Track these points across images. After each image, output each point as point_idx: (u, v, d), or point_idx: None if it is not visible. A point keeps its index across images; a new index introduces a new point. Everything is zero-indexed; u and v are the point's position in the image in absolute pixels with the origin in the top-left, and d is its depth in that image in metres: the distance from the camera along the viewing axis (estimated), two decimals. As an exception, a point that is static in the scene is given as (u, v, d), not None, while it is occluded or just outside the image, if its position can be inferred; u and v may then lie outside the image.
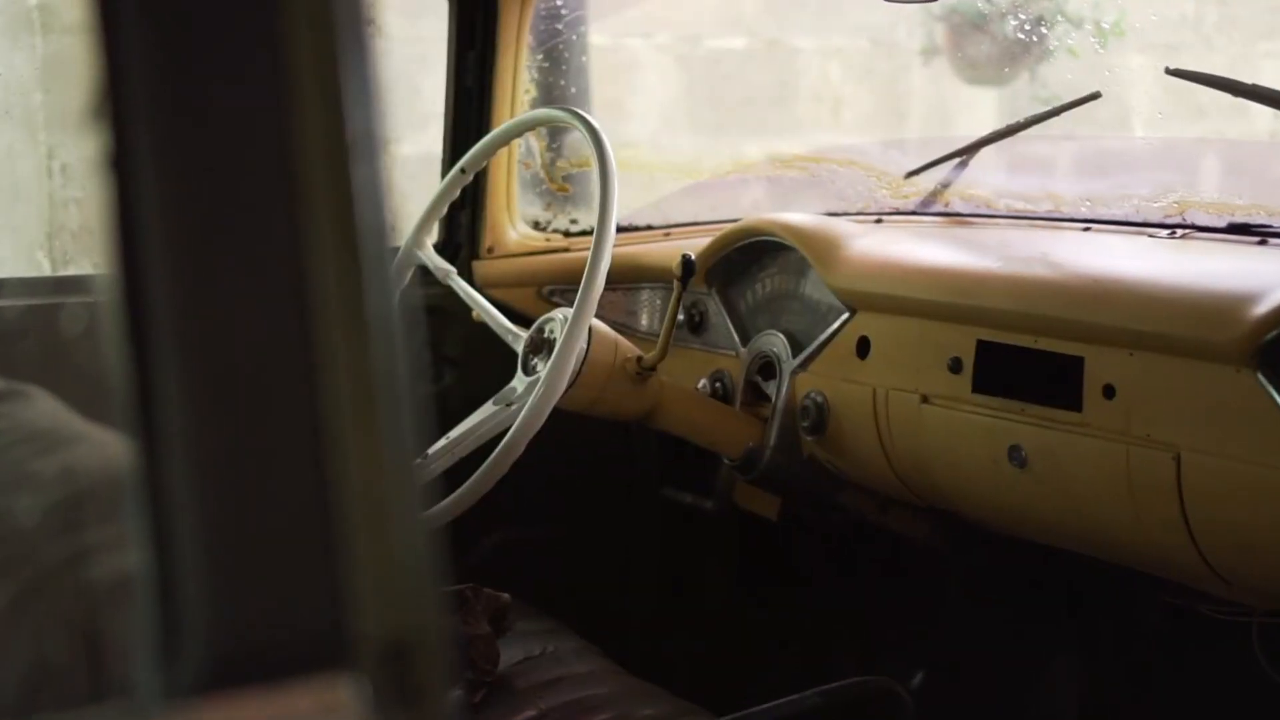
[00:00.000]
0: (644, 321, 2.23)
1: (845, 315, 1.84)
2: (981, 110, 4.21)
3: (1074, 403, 1.52)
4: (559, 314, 1.79)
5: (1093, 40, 3.13)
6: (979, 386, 1.63)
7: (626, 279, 2.19)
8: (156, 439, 0.57)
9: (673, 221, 2.40)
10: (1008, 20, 3.32)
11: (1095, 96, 1.82)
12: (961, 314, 1.66)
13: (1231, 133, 3.98)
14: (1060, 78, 3.50)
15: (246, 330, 0.58)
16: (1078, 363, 1.51)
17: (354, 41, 0.60)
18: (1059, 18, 3.12)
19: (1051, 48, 3.40)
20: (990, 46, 3.64)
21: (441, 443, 1.78)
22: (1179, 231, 1.72)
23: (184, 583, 0.56)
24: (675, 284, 1.78)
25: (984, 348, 1.63)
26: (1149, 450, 1.44)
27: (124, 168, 0.57)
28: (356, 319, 0.58)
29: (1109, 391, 1.49)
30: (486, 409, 1.78)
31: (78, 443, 0.91)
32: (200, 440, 0.56)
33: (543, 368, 1.73)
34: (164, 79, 0.57)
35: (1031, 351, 1.57)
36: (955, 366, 1.66)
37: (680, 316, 2.03)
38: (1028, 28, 3.25)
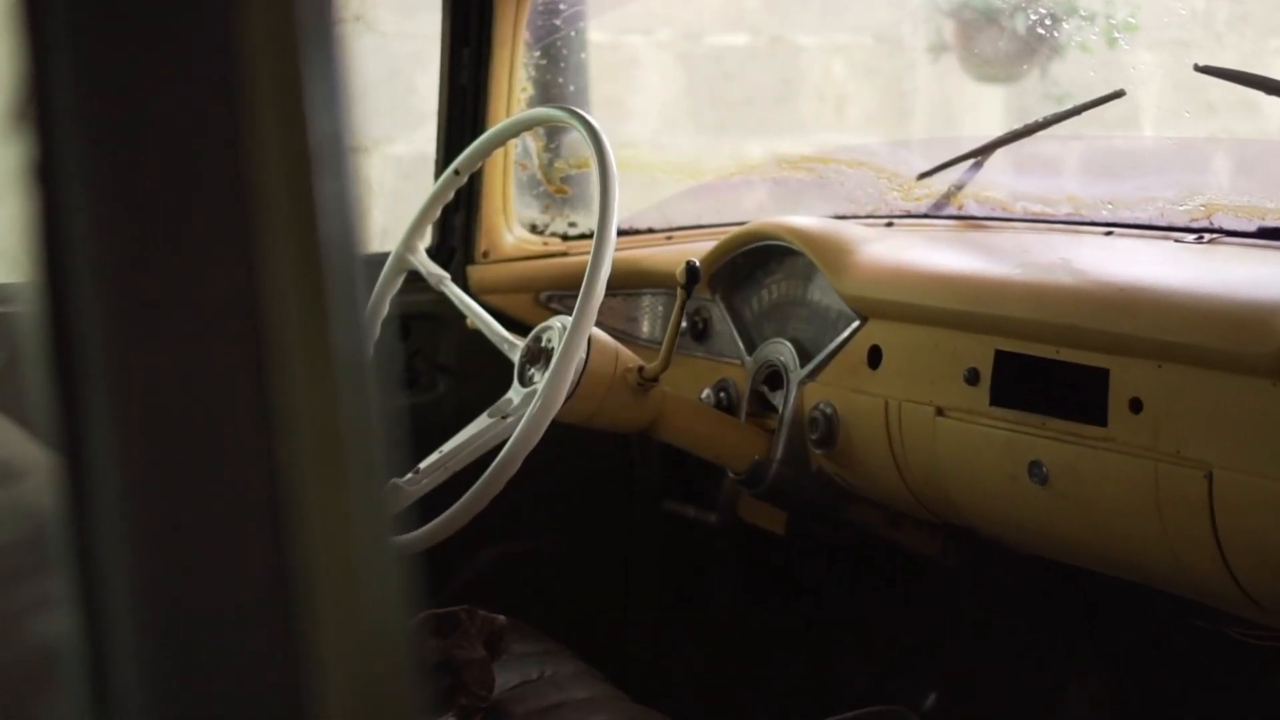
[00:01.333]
0: (645, 329, 2.17)
1: (856, 323, 1.78)
2: (988, 109, 4.15)
3: (1099, 417, 1.45)
4: (557, 322, 1.73)
5: (1108, 36, 3.06)
6: (997, 399, 1.57)
7: (627, 285, 2.13)
8: (84, 487, 0.50)
9: (675, 224, 2.34)
10: (1019, 16, 3.25)
11: (1119, 95, 1.74)
12: (979, 323, 1.60)
13: (1242, 130, 3.91)
14: (1073, 75, 3.43)
15: (189, 362, 0.50)
16: (1103, 375, 1.45)
17: (318, 39, 0.53)
18: (1072, 12, 3.05)
19: (1063, 44, 3.33)
20: (1001, 43, 3.57)
21: (434, 457, 1.72)
22: (1206, 236, 1.65)
23: (116, 650, 0.50)
24: (679, 291, 1.71)
25: (1002, 358, 1.57)
26: (1179, 467, 1.38)
27: (51, 178, 0.50)
28: (319, 347, 0.52)
29: (1136, 405, 1.42)
30: (481, 421, 1.72)
31: (29, 476, 0.83)
32: (135, 487, 0.50)
33: (540, 378, 1.68)
34: (96, 78, 0.50)
35: (1053, 363, 1.51)
36: (972, 378, 1.60)
37: (683, 324, 1.96)
38: (1039, 23, 3.18)
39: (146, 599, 0.50)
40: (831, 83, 4.33)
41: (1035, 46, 3.52)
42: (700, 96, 4.28)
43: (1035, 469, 1.53)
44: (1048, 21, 3.27)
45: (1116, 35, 3.45)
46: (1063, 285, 1.55)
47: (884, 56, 4.40)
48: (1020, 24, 3.26)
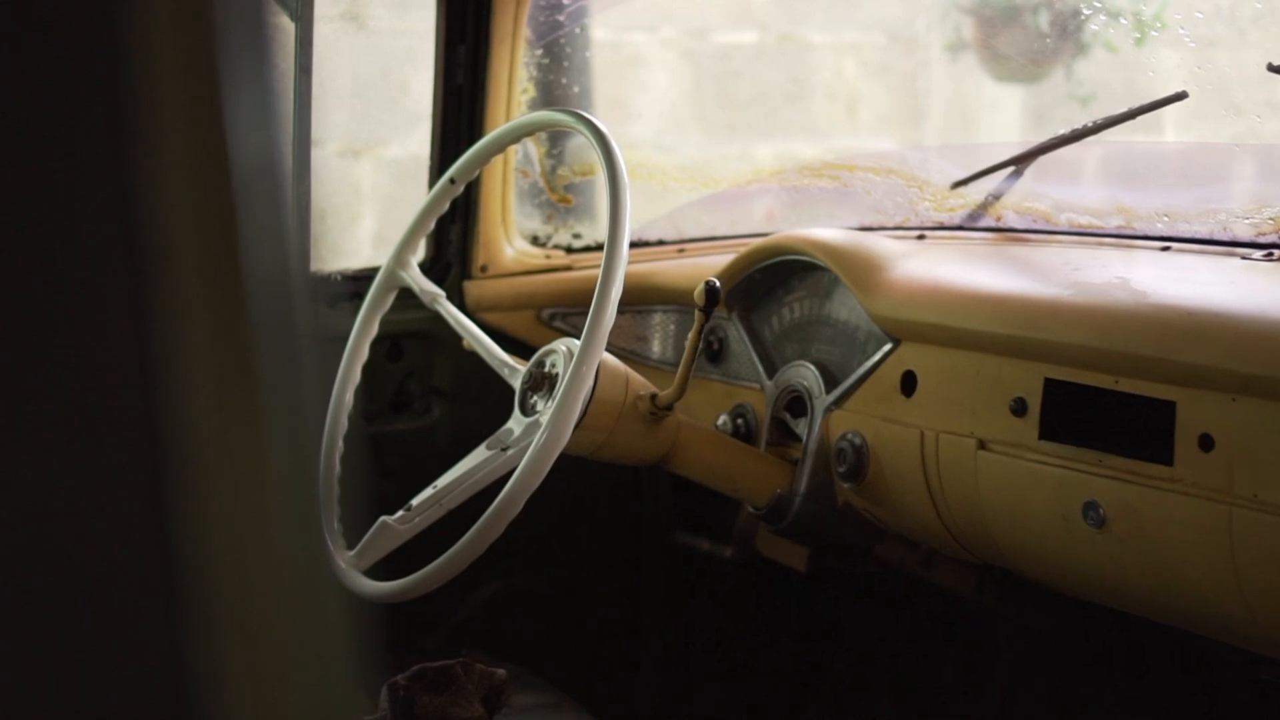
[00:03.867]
0: (655, 349, 2.04)
1: (887, 346, 1.66)
2: (1006, 110, 4.03)
3: (1163, 455, 1.35)
4: (562, 345, 1.60)
5: (1138, 33, 2.92)
6: (1047, 432, 1.46)
7: (636, 301, 2.00)
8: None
9: (687, 236, 2.23)
10: (1041, 13, 3.11)
11: (1181, 96, 1.60)
12: (1027, 348, 1.48)
13: (1266, 132, 3.77)
14: (1098, 74, 3.30)
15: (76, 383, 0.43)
16: (1168, 408, 1.34)
17: (247, 43, 0.43)
18: (1097, 9, 2.92)
19: (1087, 42, 3.20)
20: (1023, 40, 3.43)
21: (427, 493, 1.60)
22: (1276, 253, 1.50)
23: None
24: (696, 314, 1.57)
25: (1053, 388, 1.46)
26: (1256, 513, 1.27)
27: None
28: (247, 409, 0.46)
29: (1206, 443, 1.31)
30: (479, 454, 1.60)
31: None
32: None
33: (543, 407, 1.56)
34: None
35: (1111, 394, 1.40)
36: (1019, 408, 1.48)
37: (699, 346, 1.82)
38: (1063, 20, 3.04)
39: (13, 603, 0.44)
40: (843, 82, 4.21)
41: (1054, 46, 3.39)
42: (707, 96, 4.17)
43: (1091, 510, 1.42)
44: (1072, 19, 3.13)
45: (1152, 32, 3.31)
46: (1121, 308, 1.43)
47: (897, 55, 4.28)
48: (1044, 21, 3.11)
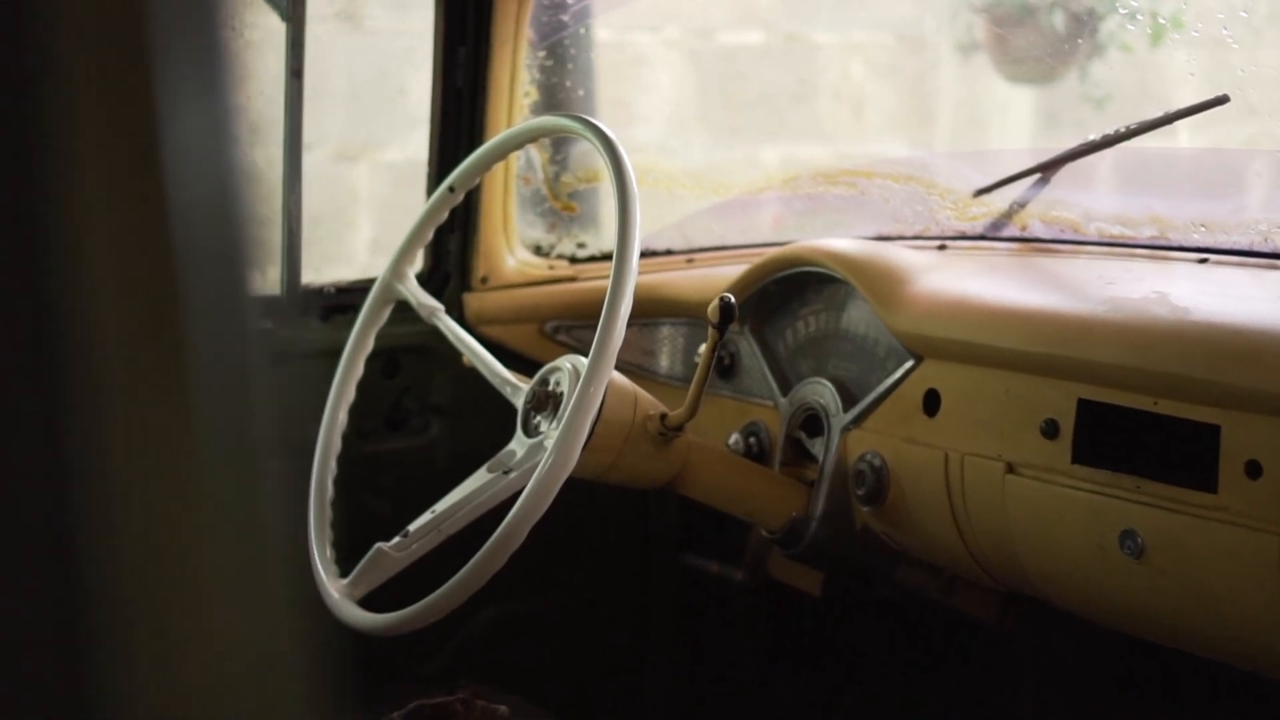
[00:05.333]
0: (664, 363, 1.98)
1: (909, 363, 1.60)
2: (1017, 111, 3.96)
3: (1207, 482, 1.29)
4: (567, 363, 1.53)
5: (1155, 33, 2.86)
6: (1081, 456, 1.40)
7: (644, 314, 1.94)
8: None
9: (697, 246, 2.17)
10: (1055, 12, 3.04)
11: (1223, 100, 1.52)
12: (1059, 367, 1.42)
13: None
14: (1113, 75, 3.24)
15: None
16: (1212, 432, 1.28)
17: (189, 40, 0.37)
18: (1114, 8, 2.85)
19: (1103, 42, 3.13)
20: (1036, 41, 3.37)
21: (425, 518, 1.53)
22: (1325, 267, 1.43)
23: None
24: (710, 332, 1.49)
25: (1087, 409, 1.39)
26: None
27: None
28: (169, 427, 0.42)
29: (1254, 470, 1.25)
30: (479, 477, 1.53)
31: None
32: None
33: (547, 428, 1.49)
34: None
35: (1150, 416, 1.33)
36: (1050, 430, 1.42)
37: (709, 363, 1.76)
38: (1079, 20, 2.98)
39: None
40: (850, 83, 4.15)
41: (1069, 46, 3.32)
42: (711, 98, 4.11)
43: (1128, 539, 1.36)
44: (1087, 18, 3.07)
45: (1148, 34, 3.25)
46: (1161, 325, 1.36)
47: (905, 55, 4.22)
48: (1058, 21, 3.04)
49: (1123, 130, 1.62)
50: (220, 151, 0.37)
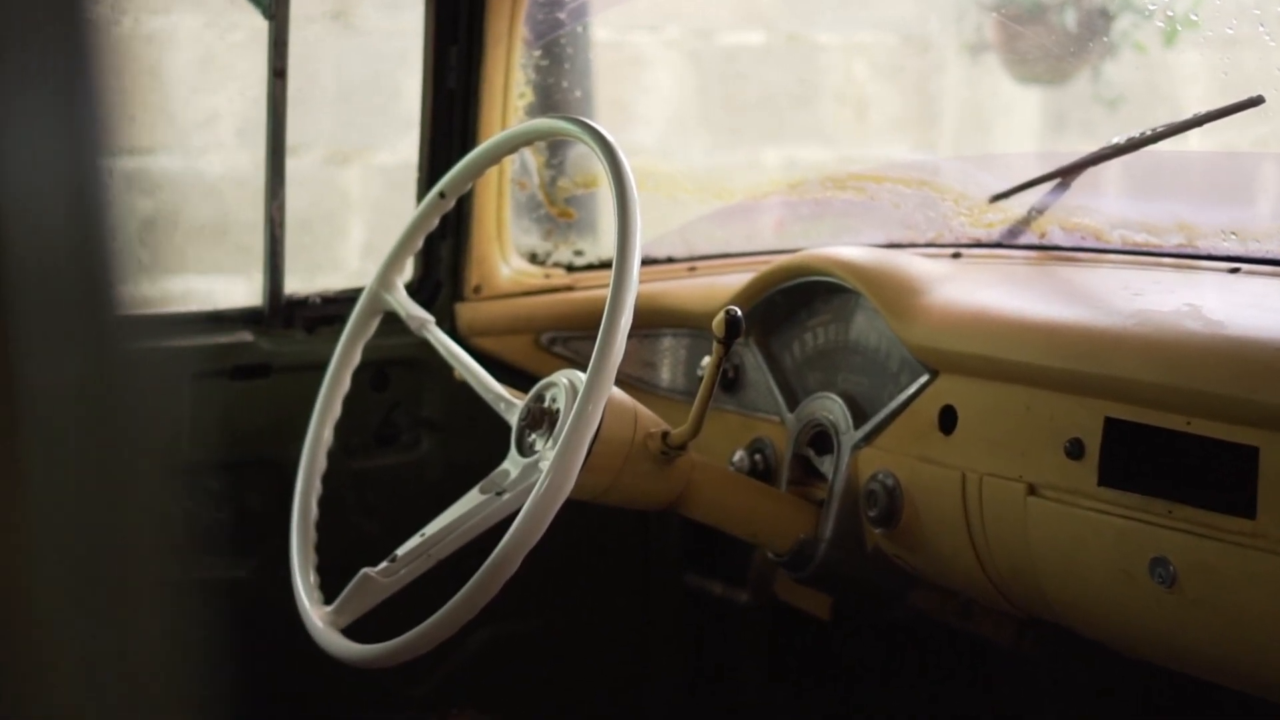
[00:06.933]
0: (665, 376, 1.92)
1: (924, 378, 1.55)
2: (1024, 113, 3.91)
3: (1245, 507, 1.23)
4: (563, 378, 1.47)
5: (1168, 32, 2.80)
6: (1108, 478, 1.34)
7: (644, 324, 1.87)
8: None
9: (699, 253, 2.10)
10: (1066, 11, 2.97)
11: (1258, 101, 1.46)
12: (1085, 384, 1.36)
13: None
14: (1126, 75, 3.18)
15: None
16: (1250, 455, 1.22)
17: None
18: (1128, 6, 2.80)
19: (1115, 42, 3.07)
20: (1046, 40, 3.31)
21: (414, 541, 1.47)
22: (1365, 277, 1.37)
23: None
24: (715, 346, 1.42)
25: (1115, 428, 1.33)
26: None
27: None
28: None
29: None
30: (471, 498, 1.47)
31: None
32: None
33: (543, 447, 1.43)
34: None
35: (1182, 436, 1.28)
36: (1075, 450, 1.36)
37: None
38: (1089, 20, 2.92)
39: None
40: (853, 84, 4.10)
41: (1080, 46, 3.25)
42: (712, 99, 4.06)
43: (1159, 567, 1.30)
44: (1099, 17, 3.01)
45: (1161, 33, 3.19)
46: (1194, 340, 1.31)
47: (909, 56, 4.17)
48: (1069, 20, 2.98)
49: (1149, 133, 1.55)
50: (73, 155, 0.31)
